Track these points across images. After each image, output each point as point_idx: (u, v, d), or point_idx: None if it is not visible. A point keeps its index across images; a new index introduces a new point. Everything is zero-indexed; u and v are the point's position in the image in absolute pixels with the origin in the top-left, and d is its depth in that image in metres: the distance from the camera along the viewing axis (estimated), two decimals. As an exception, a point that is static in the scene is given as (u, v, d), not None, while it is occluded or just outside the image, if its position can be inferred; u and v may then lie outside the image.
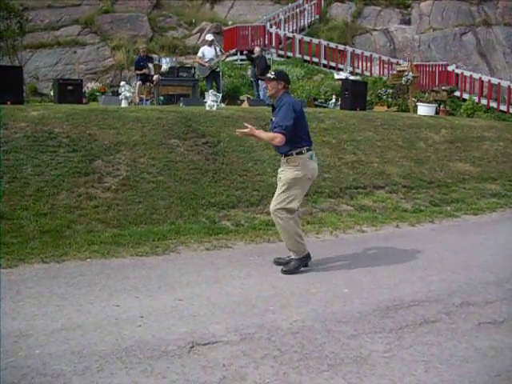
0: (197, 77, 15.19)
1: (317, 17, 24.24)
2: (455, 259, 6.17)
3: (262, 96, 14.81)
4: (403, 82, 15.89)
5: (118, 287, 4.92)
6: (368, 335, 4.02)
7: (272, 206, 5.64)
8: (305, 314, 4.39)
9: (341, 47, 20.96)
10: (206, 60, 14.34)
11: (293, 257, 5.67)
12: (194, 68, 15.36)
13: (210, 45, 14.67)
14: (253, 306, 4.56)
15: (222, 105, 12.24)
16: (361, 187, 8.96)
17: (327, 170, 9.20)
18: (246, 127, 5.59)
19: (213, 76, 14.61)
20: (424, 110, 13.93)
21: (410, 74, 15.52)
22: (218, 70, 14.67)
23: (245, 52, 18.01)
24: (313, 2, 23.99)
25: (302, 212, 7.53)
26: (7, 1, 16.13)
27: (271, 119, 5.77)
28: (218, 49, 14.79)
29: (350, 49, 21.01)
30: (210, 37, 15.09)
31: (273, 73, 5.73)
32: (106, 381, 3.29)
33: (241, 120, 9.49)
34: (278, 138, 5.42)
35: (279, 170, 5.74)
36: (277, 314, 4.37)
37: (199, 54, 14.69)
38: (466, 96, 18.37)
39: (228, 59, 19.72)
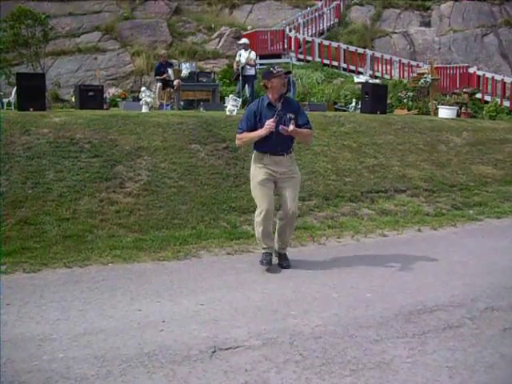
0: (217, 82, 15.18)
1: (336, 20, 24.25)
2: (478, 263, 6.08)
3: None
4: (421, 85, 15.80)
5: (140, 292, 4.94)
6: (391, 340, 3.98)
7: (295, 208, 5.66)
8: (327, 319, 4.36)
9: (360, 50, 20.91)
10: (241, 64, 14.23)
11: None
12: (214, 73, 15.37)
13: (246, 49, 14.44)
14: (274, 310, 4.55)
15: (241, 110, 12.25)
16: (382, 191, 8.90)
17: (348, 174, 9.16)
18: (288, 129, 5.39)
19: (245, 79, 14.38)
20: (445, 112, 13.83)
21: (429, 76, 15.43)
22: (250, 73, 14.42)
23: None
24: (332, 6, 24.02)
25: (323, 216, 7.52)
26: (32, 9, 16.31)
27: (278, 115, 5.44)
28: (252, 54, 14.48)
29: (369, 52, 20.93)
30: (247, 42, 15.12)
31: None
32: (129, 385, 3.31)
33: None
34: (312, 135, 5.78)
35: (281, 170, 5.57)
36: (298, 319, 4.35)
37: (237, 58, 14.48)
38: (487, 98, 18.16)
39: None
